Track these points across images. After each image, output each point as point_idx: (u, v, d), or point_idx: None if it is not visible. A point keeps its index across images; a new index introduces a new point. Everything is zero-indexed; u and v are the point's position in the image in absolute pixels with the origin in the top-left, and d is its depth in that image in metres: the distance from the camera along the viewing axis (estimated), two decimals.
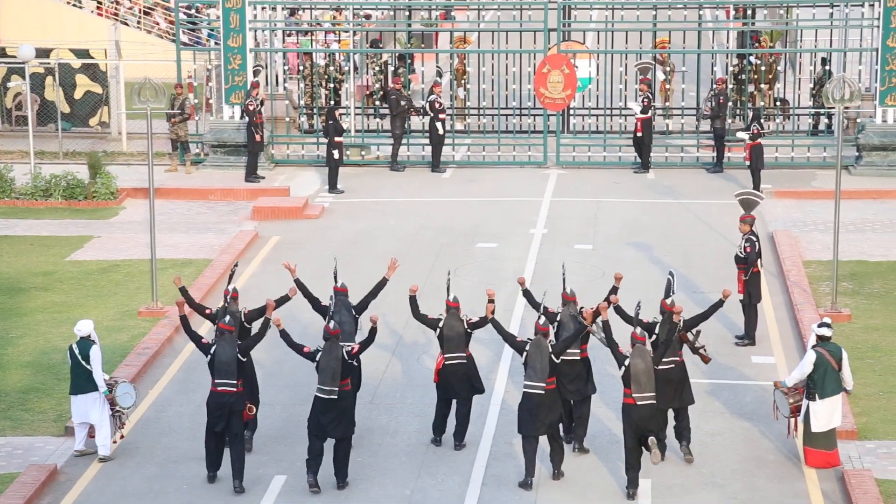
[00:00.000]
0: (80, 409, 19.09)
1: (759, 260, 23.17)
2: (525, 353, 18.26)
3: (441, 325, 19.24)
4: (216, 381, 18.39)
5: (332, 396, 18.08)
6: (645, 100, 34.09)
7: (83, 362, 18.97)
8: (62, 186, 31.66)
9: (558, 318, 19.24)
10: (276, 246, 28.78)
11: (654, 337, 18.87)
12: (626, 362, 17.97)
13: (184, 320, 19.07)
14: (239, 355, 18.41)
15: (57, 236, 29.22)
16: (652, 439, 17.82)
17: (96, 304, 25.01)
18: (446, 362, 19.27)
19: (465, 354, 19.32)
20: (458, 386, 19.34)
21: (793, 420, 19.09)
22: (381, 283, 20.09)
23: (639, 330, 18.38)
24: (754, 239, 23.14)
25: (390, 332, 23.26)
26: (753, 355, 22.77)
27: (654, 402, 18.01)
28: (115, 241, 28.83)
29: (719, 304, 19.53)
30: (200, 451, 19.14)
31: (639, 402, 17.95)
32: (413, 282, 20.04)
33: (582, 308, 19.08)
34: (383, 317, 21.94)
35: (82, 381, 19.01)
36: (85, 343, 19.04)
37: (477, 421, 19.99)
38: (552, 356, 18.17)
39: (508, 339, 18.76)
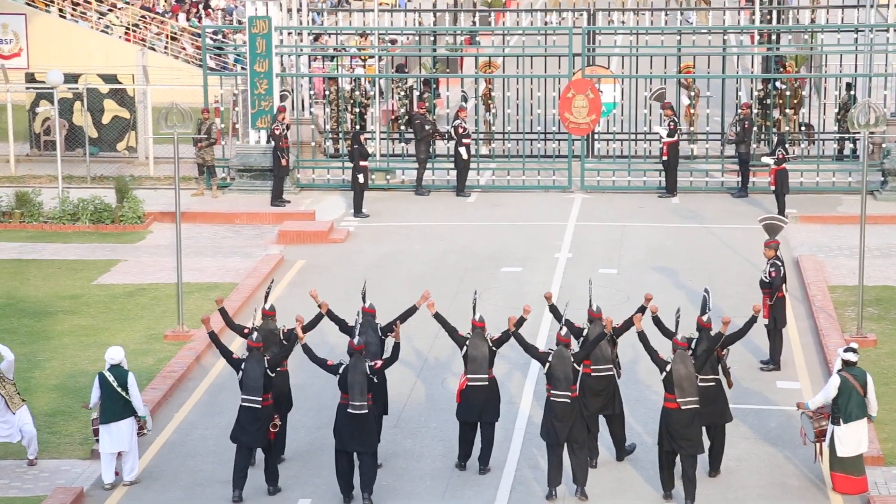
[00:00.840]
0: (114, 438, 18.92)
1: (783, 285, 23.13)
2: (548, 364, 18.36)
3: (467, 344, 19.24)
4: (244, 396, 18.52)
5: (362, 411, 18.16)
6: (671, 123, 34.08)
7: (119, 390, 18.92)
8: (90, 210, 31.77)
9: (585, 334, 19.29)
10: (302, 270, 28.82)
11: (690, 351, 18.91)
12: (668, 367, 18.10)
13: (212, 336, 19.20)
14: (267, 371, 18.53)
15: (84, 260, 29.31)
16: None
17: (123, 328, 25.06)
18: (469, 383, 19.25)
19: (487, 376, 19.26)
20: (479, 408, 19.24)
21: (818, 445, 19.01)
22: (411, 311, 20.05)
23: (680, 336, 18.51)
24: (779, 264, 23.10)
25: (416, 355, 23.26)
26: (779, 380, 22.70)
27: (698, 405, 18.08)
28: (142, 265, 28.90)
29: (752, 320, 19.48)
30: (226, 474, 19.17)
31: (683, 407, 18.06)
32: (438, 306, 19.99)
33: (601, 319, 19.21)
34: (409, 339, 21.94)
35: (118, 409, 18.94)
36: (119, 370, 19.00)
37: (502, 445, 19.96)
38: (574, 364, 18.26)
39: (531, 350, 18.84)
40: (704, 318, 19.32)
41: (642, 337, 18.77)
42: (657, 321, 19.20)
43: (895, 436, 20.31)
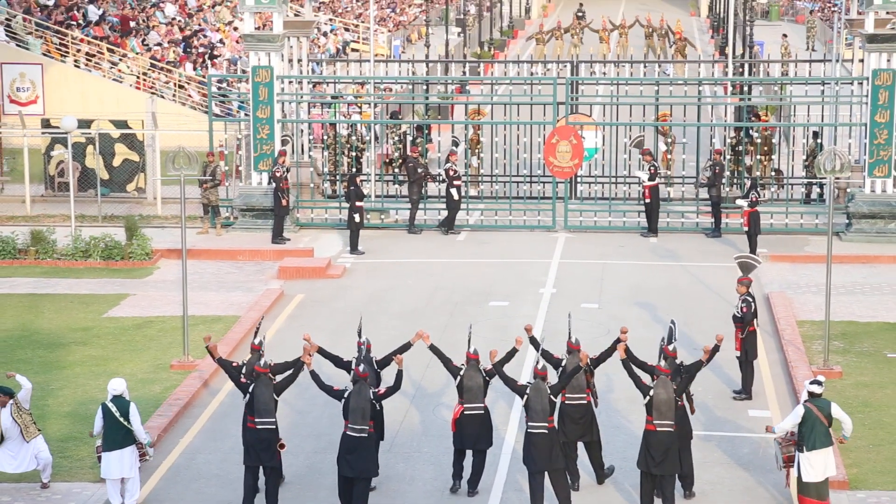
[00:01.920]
0: (115, 465, 18.85)
1: (755, 319, 23.18)
2: (525, 397, 18.37)
3: (462, 374, 19.25)
4: (255, 419, 18.51)
5: (362, 434, 18.19)
6: (651, 168, 34.21)
7: (121, 419, 18.86)
8: (101, 248, 31.78)
9: (563, 365, 19.32)
10: (301, 304, 28.83)
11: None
12: (651, 392, 18.13)
13: (220, 362, 19.26)
14: (274, 395, 18.57)
15: (95, 294, 29.31)
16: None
17: (131, 358, 25.05)
18: (465, 412, 19.23)
19: (482, 405, 19.30)
20: (474, 436, 19.26)
21: (787, 470, 19.03)
22: (405, 347, 19.97)
23: (664, 363, 18.51)
24: (750, 300, 23.17)
25: (409, 384, 23.23)
26: (750, 409, 22.73)
27: (672, 430, 18.11)
28: (150, 299, 28.90)
29: (715, 349, 19.54)
30: (229, 496, 19.17)
31: (658, 429, 18.08)
32: (430, 338, 20.01)
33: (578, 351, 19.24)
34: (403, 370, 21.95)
35: (120, 437, 18.86)
36: (121, 401, 18.94)
37: (489, 469, 19.94)
38: (551, 396, 18.29)
39: (509, 383, 18.84)
40: (670, 347, 19.46)
41: (626, 364, 18.83)
42: (629, 359, 19.13)
43: (859, 462, 20.34)
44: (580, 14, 69.11)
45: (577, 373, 19.03)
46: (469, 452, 19.46)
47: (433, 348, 19.53)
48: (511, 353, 19.31)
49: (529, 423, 18.36)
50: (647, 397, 18.36)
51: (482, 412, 19.28)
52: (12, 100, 45.63)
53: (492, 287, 29.89)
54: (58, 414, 22.31)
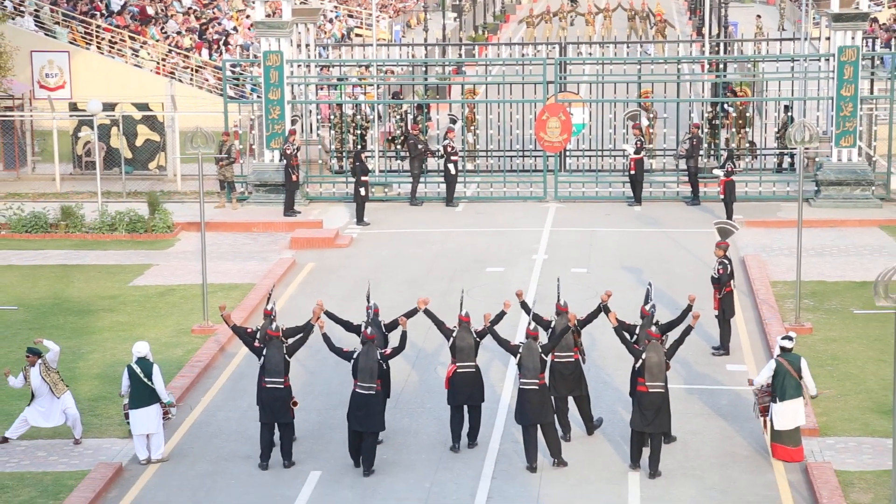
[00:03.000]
0: (141, 422, 18.94)
1: (731, 280, 23.19)
2: (519, 356, 18.39)
3: (454, 336, 19.27)
4: (267, 379, 18.57)
5: (370, 392, 18.24)
6: (638, 142, 34.14)
7: (145, 380, 18.90)
8: (125, 222, 31.77)
9: (552, 326, 19.33)
10: (312, 272, 28.84)
11: (635, 338, 18.99)
12: (643, 356, 18.13)
13: (235, 328, 19.33)
14: (287, 356, 18.57)
15: (121, 265, 29.32)
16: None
17: (155, 324, 25.08)
18: (458, 370, 19.23)
19: (474, 364, 19.30)
20: (467, 392, 19.25)
21: (763, 419, 19.09)
22: (412, 312, 19.92)
23: (654, 328, 18.61)
24: (727, 262, 23.17)
25: (412, 346, 23.22)
26: (728, 364, 22.77)
27: (663, 390, 18.12)
28: (172, 269, 28.91)
29: (688, 308, 19.54)
30: (247, 450, 19.23)
31: (650, 390, 18.11)
32: (431, 302, 20.06)
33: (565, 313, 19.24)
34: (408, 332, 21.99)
35: (144, 396, 18.92)
36: (145, 363, 18.98)
37: (486, 423, 19.99)
38: (542, 355, 18.30)
39: (503, 343, 18.86)
40: (647, 307, 19.47)
41: (618, 331, 18.83)
42: (620, 326, 19.12)
43: (828, 410, 20.38)
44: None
45: (566, 332, 19.04)
46: (465, 409, 19.45)
47: (427, 312, 19.54)
48: (500, 316, 19.31)
49: (522, 380, 18.40)
50: (640, 360, 18.29)
51: (473, 370, 19.23)
52: (42, 85, 45.60)
53: (488, 254, 29.90)
54: (88, 376, 22.36)
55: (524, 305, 19.86)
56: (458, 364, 19.22)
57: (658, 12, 63.03)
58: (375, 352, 18.51)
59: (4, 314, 25.18)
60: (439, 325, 19.46)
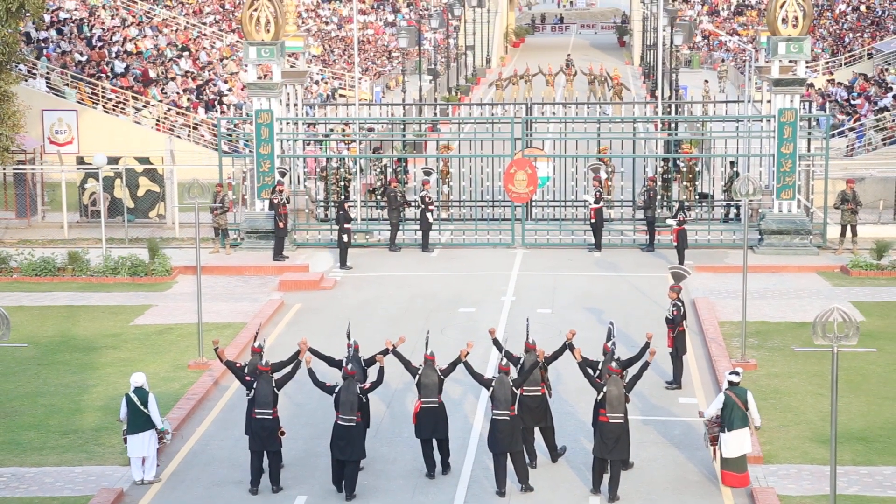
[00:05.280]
0: (137, 446, 18.89)
1: (684, 321, 23.22)
2: (491, 388, 18.33)
3: (419, 373, 19.13)
4: (256, 410, 18.48)
5: (350, 423, 18.15)
6: (597, 193, 34.26)
7: (141, 407, 18.83)
8: (127, 266, 31.64)
9: (522, 362, 19.28)
10: (299, 311, 28.75)
11: (597, 372, 18.97)
12: (604, 389, 18.08)
13: (228, 364, 19.25)
14: (275, 389, 18.51)
15: (123, 305, 29.18)
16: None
17: (154, 360, 24.93)
18: (423, 406, 19.03)
19: (437, 400, 19.00)
20: (431, 426, 18.97)
21: (713, 448, 19.08)
22: (385, 352, 19.66)
23: (615, 364, 18.52)
24: (680, 304, 23.20)
25: (390, 380, 23.17)
26: (680, 397, 22.75)
27: (622, 421, 18.08)
28: (170, 309, 28.77)
29: (646, 346, 19.55)
30: (238, 477, 19.09)
31: (611, 420, 18.06)
32: (408, 339, 19.99)
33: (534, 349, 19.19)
34: (386, 367, 21.91)
35: (140, 422, 18.87)
36: (142, 391, 18.92)
37: (459, 452, 19.91)
38: (513, 388, 18.24)
39: (477, 377, 18.77)
40: (609, 344, 19.47)
41: (582, 366, 18.80)
42: (584, 362, 19.09)
43: (771, 440, 20.39)
44: (568, 62, 69.17)
45: (536, 368, 18.99)
46: (434, 441, 19.28)
47: (395, 353, 19.42)
48: (455, 363, 19.01)
49: (494, 411, 18.33)
50: (601, 393, 18.24)
51: (437, 405, 18.99)
52: (52, 141, 45.45)
53: (461, 296, 29.87)
54: (92, 408, 22.19)
55: (496, 342, 19.81)
56: (422, 400, 19.05)
57: (616, 76, 63.39)
58: (356, 386, 18.43)
59: (16, 351, 25.00)
60: (406, 363, 19.32)
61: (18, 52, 38.00)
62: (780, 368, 24.09)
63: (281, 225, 33.25)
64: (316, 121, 39.50)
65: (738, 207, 36.09)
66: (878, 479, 18.86)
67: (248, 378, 18.91)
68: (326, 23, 78.04)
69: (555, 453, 19.63)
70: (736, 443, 18.49)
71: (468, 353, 19.02)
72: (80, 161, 38.54)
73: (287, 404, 21.61)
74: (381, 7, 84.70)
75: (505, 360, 18.66)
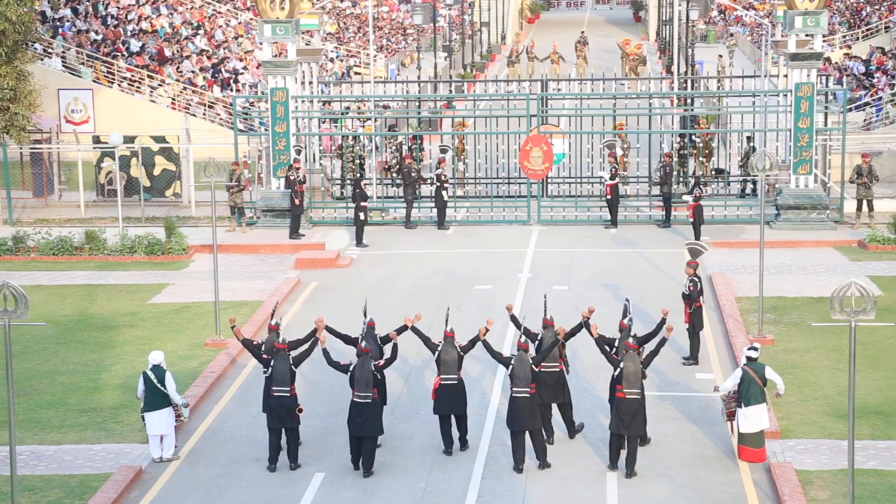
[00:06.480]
0: (154, 423, 18.95)
1: (700, 296, 23.18)
2: (511, 367, 18.31)
3: (439, 350, 19.16)
4: (274, 388, 18.52)
5: (366, 401, 18.18)
6: (613, 169, 34.17)
7: (158, 385, 18.89)
8: (144, 244, 31.71)
9: (539, 338, 19.26)
10: (315, 290, 28.79)
11: (614, 349, 18.94)
12: (621, 365, 18.07)
13: (245, 342, 19.26)
14: (293, 367, 18.52)
15: (140, 284, 29.25)
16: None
17: (171, 338, 25.00)
18: (442, 382, 19.05)
19: (457, 377, 19.03)
20: (450, 403, 19.02)
21: (730, 423, 19.06)
22: (402, 328, 19.72)
23: (631, 339, 18.50)
24: (697, 280, 23.16)
25: (408, 357, 23.23)
26: (697, 373, 22.74)
27: (639, 397, 18.07)
28: (187, 288, 28.84)
29: (662, 322, 19.52)
30: (256, 454, 19.16)
31: (627, 396, 18.05)
32: (424, 317, 19.97)
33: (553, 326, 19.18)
34: (402, 344, 21.90)
35: (157, 400, 18.93)
36: (159, 370, 18.97)
37: (476, 428, 19.94)
38: (532, 366, 18.23)
39: (496, 356, 18.75)
40: (625, 321, 19.44)
41: (599, 343, 18.79)
42: (600, 338, 19.08)
43: (789, 415, 20.36)
44: (581, 39, 68.78)
45: (555, 345, 18.95)
46: (453, 418, 19.30)
47: (414, 329, 19.43)
48: (476, 339, 19.02)
49: (514, 389, 18.28)
50: (618, 369, 18.23)
51: (456, 382, 18.99)
52: (68, 120, 45.56)
53: (477, 273, 29.86)
54: (110, 386, 22.28)
55: (514, 319, 19.78)
56: (442, 376, 19.07)
57: (635, 49, 62.95)
58: (370, 363, 18.42)
59: (34, 330, 25.10)
60: (425, 340, 19.33)
61: (34, 31, 37.98)
62: (797, 343, 24.05)
63: (297, 203, 33.27)
64: (331, 98, 39.47)
65: (754, 183, 35.99)
66: (895, 453, 18.83)
67: (265, 356, 18.94)
68: (341, 0, 77.85)
69: (572, 429, 19.64)
70: (754, 418, 18.47)
71: (487, 331, 19.01)
72: (96, 140, 38.58)
73: (304, 382, 21.65)
74: None
75: (524, 338, 18.64)
